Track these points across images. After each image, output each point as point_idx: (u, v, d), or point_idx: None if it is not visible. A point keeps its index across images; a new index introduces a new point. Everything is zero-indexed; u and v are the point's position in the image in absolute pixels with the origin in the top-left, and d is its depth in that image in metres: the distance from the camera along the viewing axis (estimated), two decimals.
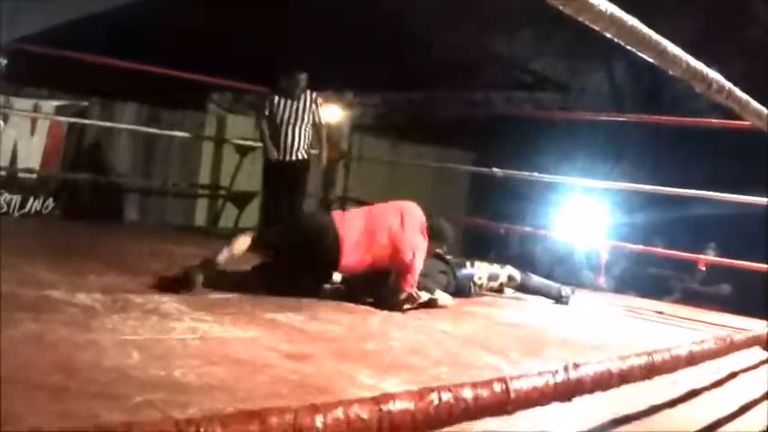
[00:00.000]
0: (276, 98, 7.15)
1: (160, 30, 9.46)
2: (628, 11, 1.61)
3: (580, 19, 1.48)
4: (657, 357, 2.08)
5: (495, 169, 7.70)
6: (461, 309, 5.33)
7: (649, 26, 1.75)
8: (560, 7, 1.38)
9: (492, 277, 6.03)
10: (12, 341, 2.86)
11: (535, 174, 7.51)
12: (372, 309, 4.81)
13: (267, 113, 7.17)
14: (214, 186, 9.99)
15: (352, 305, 4.87)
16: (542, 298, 6.15)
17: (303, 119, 7.16)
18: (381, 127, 11.01)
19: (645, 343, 4.40)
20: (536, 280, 6.26)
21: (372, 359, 3.43)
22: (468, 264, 5.96)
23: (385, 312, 4.72)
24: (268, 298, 4.66)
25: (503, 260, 6.56)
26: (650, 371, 2.05)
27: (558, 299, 6.11)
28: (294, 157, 7.19)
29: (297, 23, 9.47)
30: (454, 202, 11.42)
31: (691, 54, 1.97)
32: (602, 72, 11.62)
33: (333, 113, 8.35)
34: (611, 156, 10.29)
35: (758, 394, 3.42)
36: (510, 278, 6.10)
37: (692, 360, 2.28)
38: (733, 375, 3.68)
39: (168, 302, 4.04)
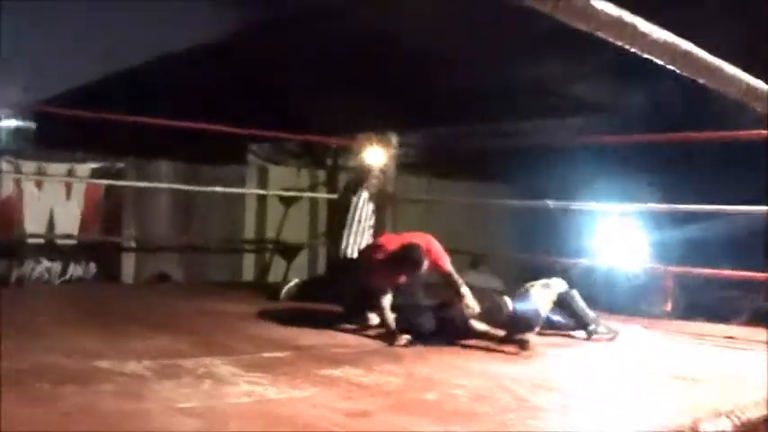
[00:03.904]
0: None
1: (191, 83, 9.43)
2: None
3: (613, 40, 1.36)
4: None
5: (547, 201, 7.52)
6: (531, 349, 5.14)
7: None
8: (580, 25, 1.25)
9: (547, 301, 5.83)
10: (60, 414, 2.78)
11: (590, 203, 7.35)
12: (425, 353, 4.69)
13: None
14: (259, 240, 9.94)
15: (407, 352, 4.80)
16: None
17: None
18: (419, 166, 10.91)
19: (721, 373, 4.24)
20: (579, 303, 6.00)
21: (434, 409, 3.29)
22: (527, 292, 5.73)
23: (442, 358, 4.60)
24: (322, 352, 4.58)
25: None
26: None
27: (586, 327, 5.84)
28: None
29: (324, 66, 9.41)
30: (504, 238, 11.28)
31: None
32: (640, 91, 11.43)
33: (377, 156, 8.24)
34: (661, 178, 10.07)
35: None
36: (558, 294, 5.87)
37: None
38: None
39: (221, 365, 3.93)
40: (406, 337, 5.13)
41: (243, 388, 3.47)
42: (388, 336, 5.19)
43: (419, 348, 4.94)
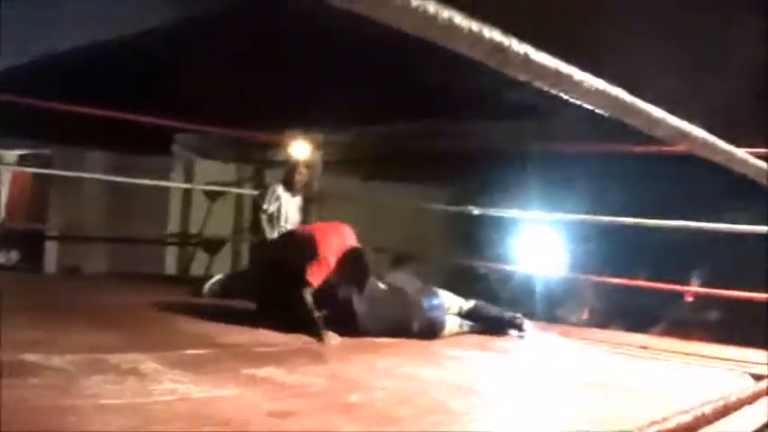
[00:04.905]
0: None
1: (119, 72, 9.33)
2: None
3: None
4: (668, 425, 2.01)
5: (470, 207, 7.67)
6: (437, 350, 5.27)
7: None
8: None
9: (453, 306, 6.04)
10: None
11: (513, 210, 7.49)
12: (348, 355, 4.78)
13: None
14: (183, 233, 9.88)
15: (330, 352, 4.87)
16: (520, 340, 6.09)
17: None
18: (351, 164, 10.96)
19: (634, 383, 4.38)
20: (489, 307, 6.26)
21: (358, 411, 3.36)
22: (435, 292, 5.96)
23: (365, 360, 4.68)
24: (245, 350, 4.62)
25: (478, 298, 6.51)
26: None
27: (512, 324, 6.10)
28: None
29: (260, 60, 9.38)
30: (430, 240, 11.38)
31: None
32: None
33: (303, 152, 8.27)
34: (592, 186, 10.24)
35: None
36: (462, 307, 6.09)
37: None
38: None
39: (144, 362, 3.94)
40: (334, 336, 5.23)
41: (167, 386, 3.48)
42: (316, 334, 5.26)
43: (342, 348, 5.02)
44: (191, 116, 8.44)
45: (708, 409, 2.17)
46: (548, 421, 3.68)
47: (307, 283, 5.53)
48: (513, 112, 10.93)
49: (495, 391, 4.26)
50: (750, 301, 6.32)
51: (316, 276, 5.58)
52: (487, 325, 6.11)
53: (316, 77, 9.50)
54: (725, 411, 2.35)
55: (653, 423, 1.93)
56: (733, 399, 2.41)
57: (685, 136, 2.01)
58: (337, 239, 5.81)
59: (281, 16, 8.04)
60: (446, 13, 1.06)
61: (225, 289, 6.78)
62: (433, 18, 1.04)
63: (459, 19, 1.09)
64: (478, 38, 1.13)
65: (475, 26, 1.12)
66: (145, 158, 9.31)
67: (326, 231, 5.89)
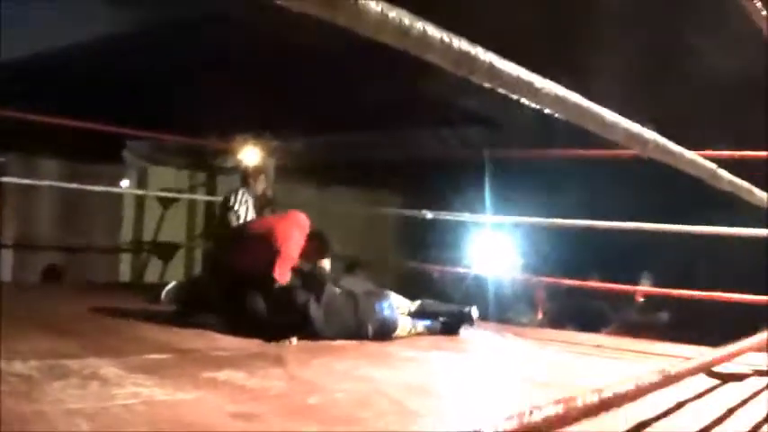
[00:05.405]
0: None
1: (72, 79, 9.27)
2: None
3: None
4: (607, 393, 2.10)
5: (424, 211, 7.76)
6: (393, 352, 5.34)
7: None
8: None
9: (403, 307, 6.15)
10: None
11: (465, 214, 7.59)
12: (306, 358, 4.82)
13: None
14: (137, 240, 9.85)
15: (288, 355, 4.89)
16: (476, 338, 6.19)
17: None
18: (305, 171, 10.98)
19: (589, 380, 4.47)
20: (436, 304, 6.39)
21: (318, 414, 3.41)
22: (387, 294, 6.05)
23: (323, 362, 4.73)
24: (204, 354, 4.65)
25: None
26: (600, 407, 2.07)
27: (462, 317, 6.22)
28: None
29: (213, 67, 9.40)
30: (384, 245, 11.45)
31: None
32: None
33: (255, 159, 8.30)
34: (543, 191, 10.39)
35: (710, 420, 3.47)
36: (410, 309, 6.20)
37: (638, 394, 2.31)
38: (680, 405, 3.73)
39: (105, 367, 3.96)
40: (292, 338, 5.28)
41: (129, 390, 3.50)
42: (274, 335, 5.31)
43: (300, 352, 5.07)
44: (142, 124, 8.43)
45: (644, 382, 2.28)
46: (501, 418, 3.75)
47: (273, 281, 5.58)
48: (465, 120, 11.07)
49: (451, 390, 4.34)
50: (695, 302, 6.47)
51: (282, 272, 5.63)
52: (440, 320, 6.23)
53: (270, 87, 9.54)
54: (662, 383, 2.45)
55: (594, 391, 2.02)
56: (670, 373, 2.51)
57: (638, 139, 2.10)
58: (297, 230, 5.88)
59: (237, 28, 8.08)
60: (419, 25, 1.14)
61: (181, 295, 6.78)
62: (408, 29, 1.11)
63: (432, 30, 1.17)
64: (448, 47, 1.21)
65: (446, 37, 1.20)
66: (98, 166, 9.27)
67: (285, 223, 5.95)
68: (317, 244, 5.93)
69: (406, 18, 1.12)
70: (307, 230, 5.92)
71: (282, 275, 5.65)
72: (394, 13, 1.09)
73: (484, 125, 11.06)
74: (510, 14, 7.50)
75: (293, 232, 5.85)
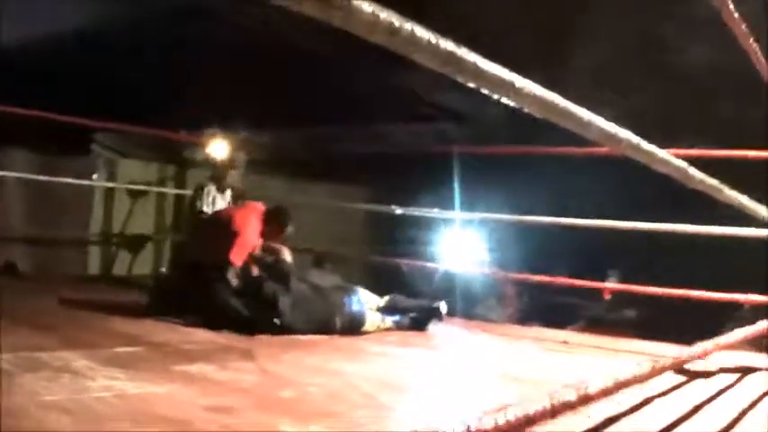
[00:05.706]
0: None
1: (40, 71, 9.19)
2: None
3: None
4: (583, 391, 2.12)
5: (394, 207, 7.79)
6: (363, 347, 5.38)
7: None
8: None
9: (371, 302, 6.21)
10: None
11: (435, 210, 7.63)
12: (277, 353, 4.84)
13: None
14: (106, 232, 9.80)
15: (259, 348, 4.89)
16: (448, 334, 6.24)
17: None
18: (274, 164, 10.96)
19: (557, 375, 4.52)
20: (406, 300, 6.45)
21: (292, 407, 3.43)
22: (355, 289, 6.10)
23: (294, 356, 4.75)
24: (176, 348, 4.67)
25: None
26: (576, 404, 2.10)
27: (431, 312, 6.28)
28: None
29: (183, 60, 9.35)
30: (353, 239, 11.47)
31: None
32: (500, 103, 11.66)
33: (224, 152, 8.25)
34: (513, 187, 10.41)
35: (676, 417, 3.53)
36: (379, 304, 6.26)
37: (612, 390, 2.35)
38: (648, 401, 3.78)
39: (77, 359, 3.95)
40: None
41: (102, 383, 3.50)
42: (244, 327, 5.34)
43: (270, 346, 5.08)
44: (110, 116, 8.39)
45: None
46: (470, 411, 3.79)
47: (230, 263, 5.61)
48: (435, 116, 11.09)
49: (420, 384, 4.38)
50: (662, 299, 6.54)
51: (237, 254, 5.67)
52: (409, 315, 6.27)
53: (240, 80, 9.51)
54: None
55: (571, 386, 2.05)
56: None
57: (612, 137, 2.15)
58: (254, 216, 5.95)
59: (208, 21, 8.05)
60: (408, 26, 1.16)
61: (152, 289, 6.72)
62: (398, 30, 1.14)
63: (420, 31, 1.20)
64: (436, 48, 1.24)
65: (432, 38, 1.23)
66: (67, 159, 9.21)
67: (243, 211, 6.06)
68: (274, 223, 6.02)
69: (396, 19, 1.15)
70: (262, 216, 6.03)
71: (238, 257, 5.68)
72: (385, 14, 1.12)
73: (456, 121, 11.08)
74: (483, 7, 7.53)
75: (251, 218, 5.93)
